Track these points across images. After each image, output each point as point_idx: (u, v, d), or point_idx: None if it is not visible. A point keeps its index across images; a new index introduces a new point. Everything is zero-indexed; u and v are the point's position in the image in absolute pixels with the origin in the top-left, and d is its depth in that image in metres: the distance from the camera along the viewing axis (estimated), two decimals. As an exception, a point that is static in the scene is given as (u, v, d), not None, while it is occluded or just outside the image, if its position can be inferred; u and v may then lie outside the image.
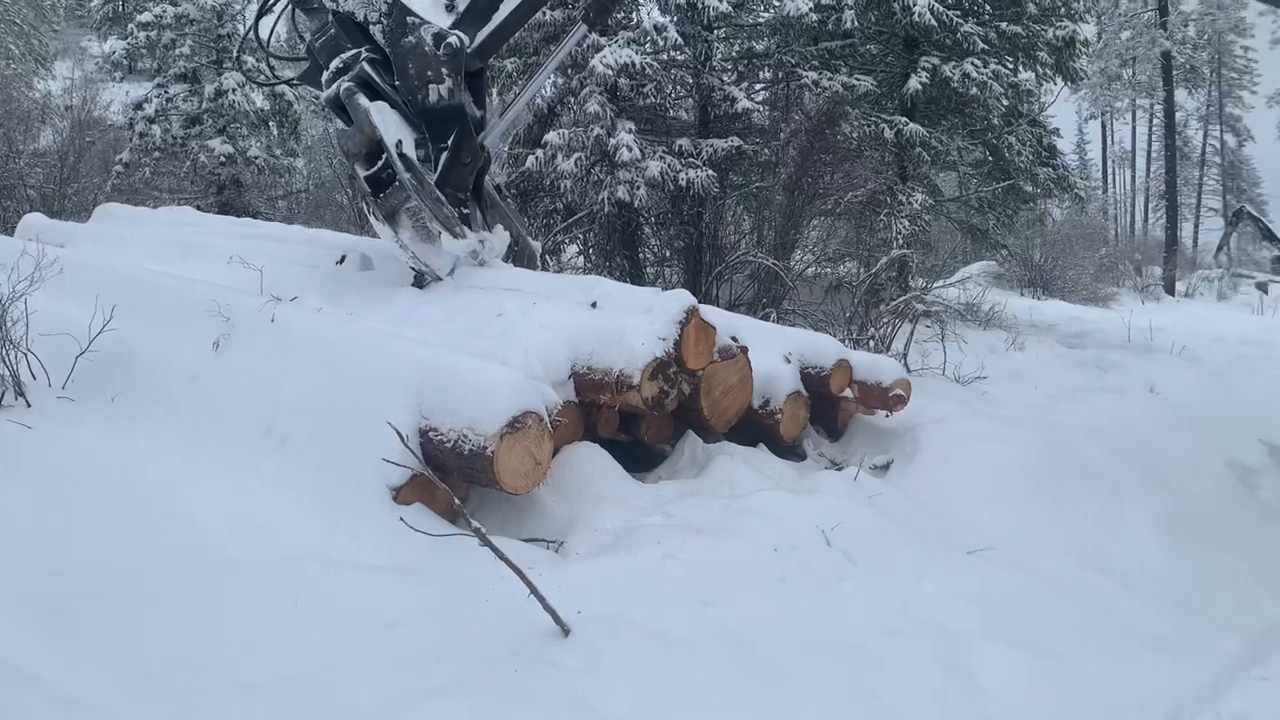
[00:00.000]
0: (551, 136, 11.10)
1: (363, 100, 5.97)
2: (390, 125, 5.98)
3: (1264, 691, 4.04)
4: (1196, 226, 60.86)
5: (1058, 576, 4.69)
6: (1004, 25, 12.57)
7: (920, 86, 11.30)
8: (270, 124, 20.63)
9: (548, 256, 12.03)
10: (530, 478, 4.40)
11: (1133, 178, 62.16)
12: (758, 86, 12.60)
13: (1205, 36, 51.44)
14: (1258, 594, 4.84)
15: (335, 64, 6.25)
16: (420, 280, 6.08)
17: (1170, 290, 31.17)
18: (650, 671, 3.34)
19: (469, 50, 6.20)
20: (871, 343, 7.91)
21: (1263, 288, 34.37)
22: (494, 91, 11.93)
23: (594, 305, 5.58)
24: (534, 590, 3.47)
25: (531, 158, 11.19)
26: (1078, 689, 3.73)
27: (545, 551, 4.39)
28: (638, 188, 10.48)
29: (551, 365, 5.09)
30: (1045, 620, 4.19)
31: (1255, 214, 51.95)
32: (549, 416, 4.55)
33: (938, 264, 18.46)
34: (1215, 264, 44.31)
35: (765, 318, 8.57)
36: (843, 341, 7.61)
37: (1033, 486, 5.59)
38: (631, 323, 5.25)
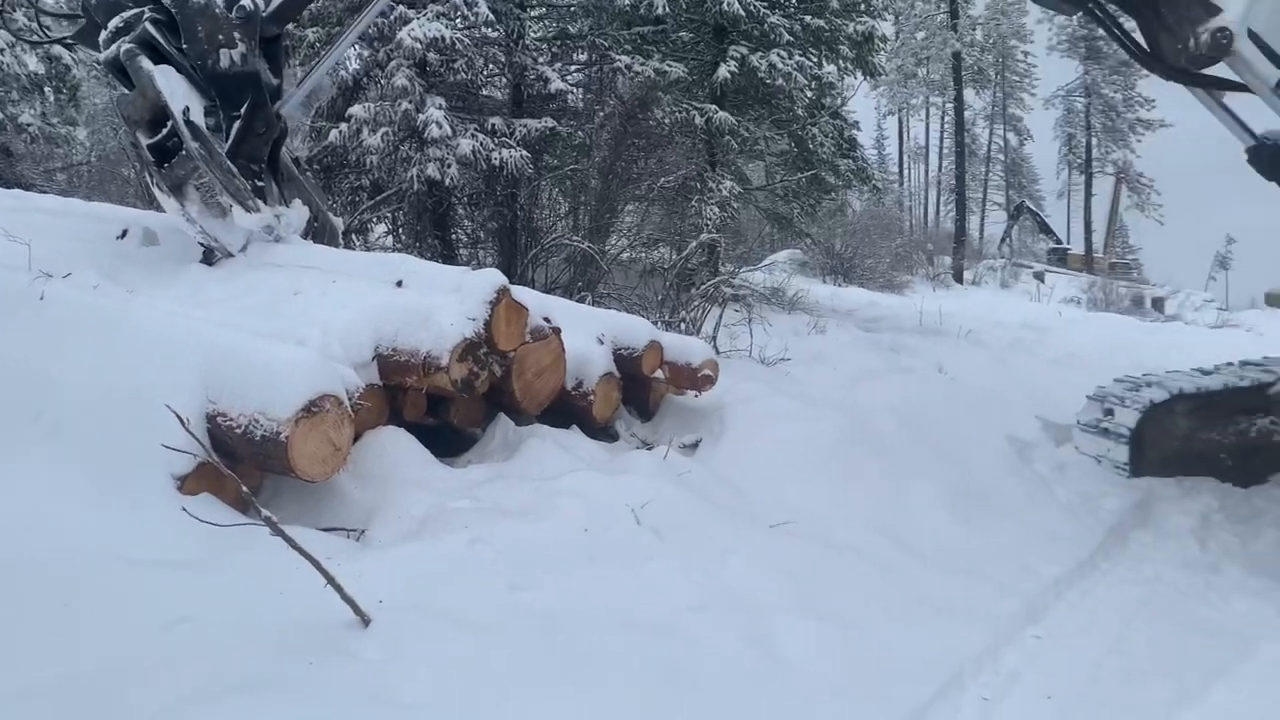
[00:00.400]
0: (357, 110, 10.70)
1: (145, 63, 5.54)
2: (176, 90, 5.58)
3: (1038, 649, 4.35)
4: (983, 219, 65.08)
5: (854, 548, 4.89)
6: (808, 19, 13.02)
7: (729, 75, 11.56)
8: (45, 89, 18.99)
9: (354, 236, 11.61)
10: (329, 464, 4.20)
11: (926, 172, 65.86)
12: (572, 68, 12.55)
13: (991, 40, 55.00)
14: (1033, 559, 5.19)
15: (115, 23, 5.77)
16: (209, 257, 5.71)
17: (959, 278, 33.13)
18: (455, 659, 3.25)
19: (264, 14, 5.87)
20: (683, 325, 8.03)
21: (1040, 277, 37.14)
22: (295, 63, 11.37)
23: (399, 284, 5.40)
24: (330, 580, 3.31)
25: (335, 131, 10.76)
26: (871, 653, 3.89)
27: (346, 540, 4.21)
28: (449, 166, 10.24)
29: (353, 346, 4.88)
30: (842, 590, 4.36)
31: (1034, 208, 56.11)
32: (349, 400, 4.36)
33: (747, 251, 18.99)
34: (999, 254, 47.59)
35: (581, 301, 8.55)
36: (655, 324, 7.68)
37: (832, 463, 5.81)
38: (440, 302, 5.11)
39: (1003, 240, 53.80)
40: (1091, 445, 6.87)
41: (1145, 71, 7.12)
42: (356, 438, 4.61)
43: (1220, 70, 6.24)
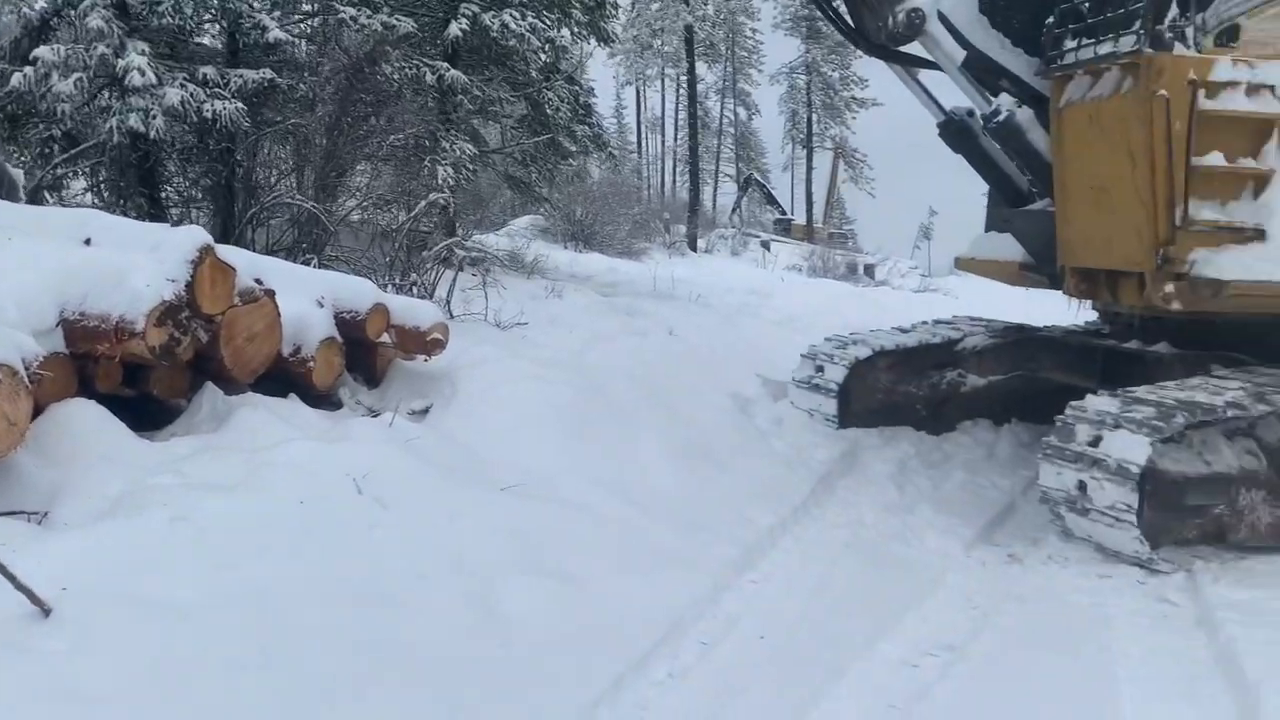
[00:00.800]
0: (44, 52, 9.56)
1: None
2: None
3: (754, 592, 4.58)
4: (716, 190, 67.67)
5: (585, 505, 4.95)
6: (542, -20, 12.95)
7: (461, 33, 11.31)
8: None
9: (46, 192, 10.44)
10: (2, 441, 3.76)
11: (663, 142, 67.64)
12: (294, 17, 11.83)
13: (721, 15, 57.04)
14: (752, 508, 5.46)
15: None
16: None
17: (693, 246, 34.25)
18: (149, 646, 3.00)
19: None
20: (415, 289, 7.82)
21: (767, 246, 39.09)
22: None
23: (88, 242, 4.89)
24: (0, 568, 2.97)
25: (19, 75, 9.58)
26: (595, 608, 3.96)
27: (25, 524, 3.79)
28: (154, 117, 9.38)
29: (33, 311, 4.39)
30: (570, 547, 4.40)
31: (761, 181, 58.94)
32: (27, 370, 3.91)
33: (489, 216, 18.75)
34: (730, 224, 49.70)
35: (306, 264, 8.11)
36: (385, 288, 7.42)
37: (565, 423, 5.85)
38: (135, 262, 4.67)
39: (733, 211, 56.17)
40: (805, 400, 7.30)
41: (860, 52, 7.58)
42: (39, 411, 4.15)
43: (916, 50, 6.76)
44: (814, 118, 56.91)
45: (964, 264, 7.96)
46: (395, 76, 10.72)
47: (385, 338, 5.87)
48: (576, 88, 14.85)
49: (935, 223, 57.16)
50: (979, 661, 3.89)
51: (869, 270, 32.34)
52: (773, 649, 4.01)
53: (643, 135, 67.49)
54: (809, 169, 56.87)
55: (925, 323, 7.87)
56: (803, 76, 56.65)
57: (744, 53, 60.60)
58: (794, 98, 58.30)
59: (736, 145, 68.02)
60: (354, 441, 4.77)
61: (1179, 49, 5.32)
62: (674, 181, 65.79)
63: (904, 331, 7.68)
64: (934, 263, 40.45)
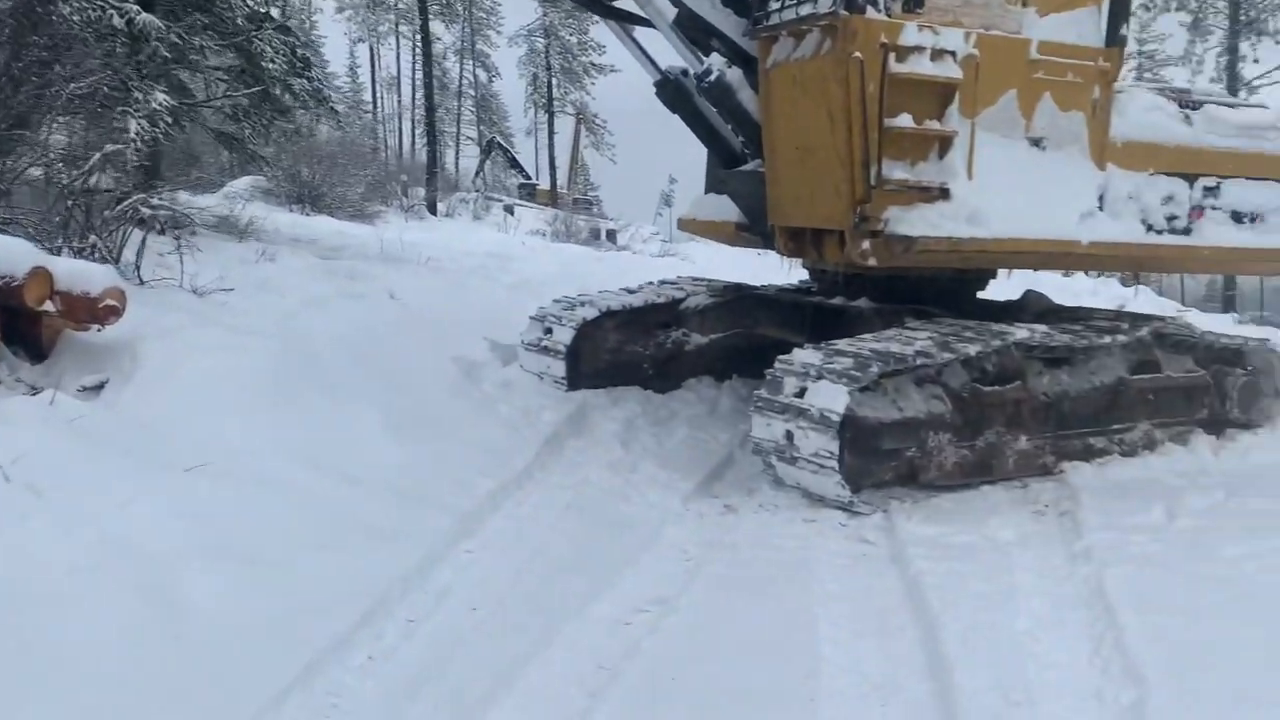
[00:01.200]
0: None
1: None
2: None
3: (469, 562, 4.41)
4: (458, 153, 66.44)
5: (285, 482, 4.60)
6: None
7: (156, -28, 10.28)
8: None
9: None
10: None
11: (399, 102, 65.53)
12: (-51, -54, 10.32)
13: (457, -27, 55.74)
14: (473, 475, 5.27)
15: None
16: None
17: (433, 210, 33.42)
18: None
19: None
20: (97, 252, 7.02)
21: (509, 210, 38.78)
22: None
23: None
24: None
25: None
26: (290, 592, 3.67)
27: None
28: None
29: None
30: (263, 529, 4.06)
31: (504, 145, 58.34)
32: None
33: (204, 175, 17.32)
34: (473, 187, 48.94)
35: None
36: (58, 251, 6.61)
37: (268, 395, 5.43)
38: None
39: (476, 174, 55.32)
40: (534, 363, 7.18)
41: (596, 17, 7.45)
42: None
43: (630, 7, 6.72)
44: (554, 82, 56.92)
45: (685, 225, 8.08)
46: (76, 19, 9.57)
47: (49, 305, 5.19)
48: (293, 39, 13.91)
49: (676, 190, 58.81)
50: (689, 613, 3.92)
51: (611, 236, 32.79)
52: (483, 619, 3.87)
53: (378, 95, 65.07)
54: (550, 134, 56.98)
55: (651, 284, 7.93)
56: (541, 40, 56.44)
57: (482, 13, 59.61)
58: (534, 61, 58.07)
59: (478, 108, 66.97)
60: (3, 423, 4.18)
61: (871, 12, 5.55)
62: (413, 143, 63.97)
63: (631, 293, 7.70)
64: (674, 229, 41.60)
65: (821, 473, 5.16)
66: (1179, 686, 3.23)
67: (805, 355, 5.57)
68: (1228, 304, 33.73)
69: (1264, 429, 7.04)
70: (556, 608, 3.97)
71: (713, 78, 6.36)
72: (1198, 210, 6.59)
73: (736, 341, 7.61)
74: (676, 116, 7.27)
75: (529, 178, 55.42)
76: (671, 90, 6.90)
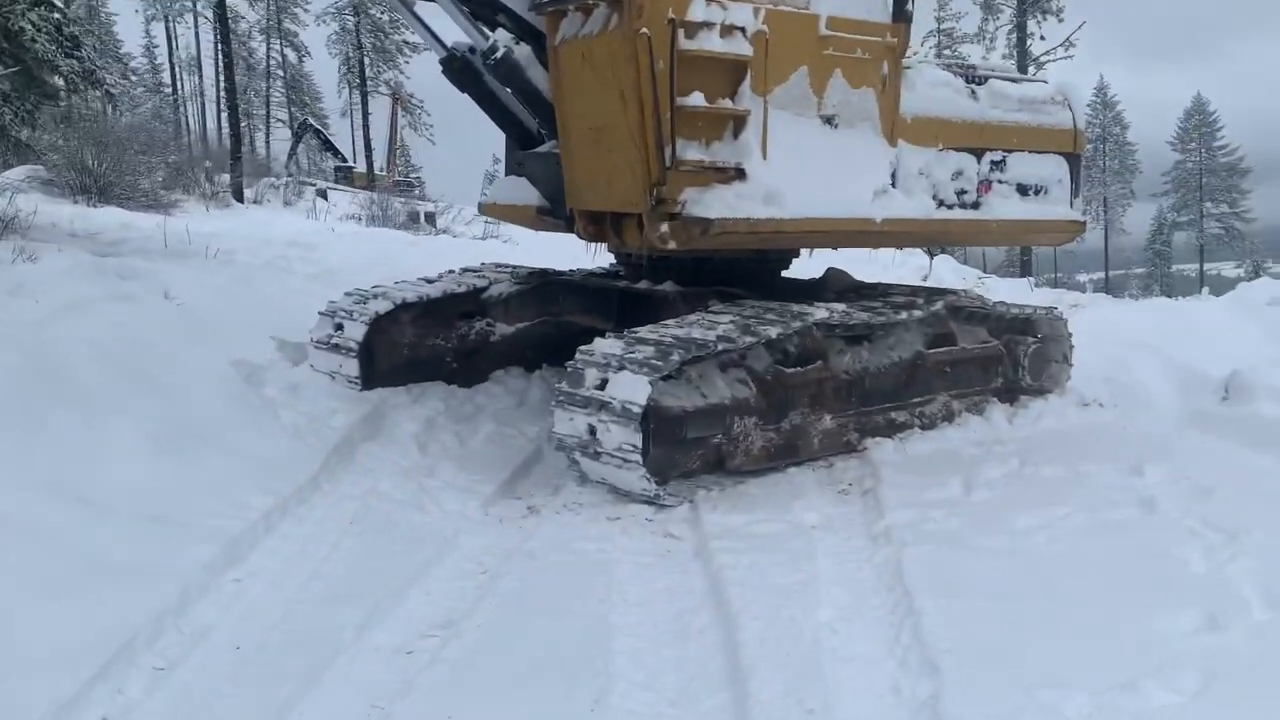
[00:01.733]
0: None
1: None
2: None
3: (235, 595, 3.98)
4: (268, 136, 63.43)
5: (16, 519, 4.04)
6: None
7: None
8: None
9: None
10: None
11: (201, 83, 61.90)
12: None
13: (257, -52, 52.90)
14: (246, 493, 4.81)
15: None
16: None
17: (239, 197, 31.66)
18: None
19: None
20: None
21: (323, 194, 37.20)
22: None
23: None
24: None
25: None
26: (11, 646, 3.18)
27: None
28: None
29: None
30: (-22, 578, 3.53)
31: (317, 127, 56.01)
32: None
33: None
34: (286, 172, 46.74)
35: None
36: None
37: (2, 417, 4.81)
38: None
39: (289, 159, 52.97)
40: (325, 362, 6.71)
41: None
42: None
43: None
44: (367, 61, 54.96)
45: (486, 210, 7.74)
46: None
47: None
48: (58, 15, 12.70)
49: (499, 170, 57.83)
50: (475, 637, 3.63)
51: (430, 219, 31.86)
52: (245, 660, 3.48)
53: (178, 77, 61.25)
54: (365, 115, 55.01)
55: (452, 272, 7.55)
56: (351, 17, 54.35)
57: (285, -8, 56.87)
58: (345, 39, 55.88)
59: (288, 89, 64.16)
60: None
61: (657, -14, 5.34)
62: (219, 128, 60.58)
63: (429, 282, 7.31)
64: (497, 209, 40.79)
65: (626, 467, 4.96)
66: (973, 676, 3.18)
67: (606, 345, 5.35)
68: (1024, 269, 35.93)
69: (1054, 394, 7.31)
70: (330, 640, 3.61)
71: (499, 55, 6.03)
72: (985, 184, 6.74)
73: (544, 330, 7.33)
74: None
75: (345, 161, 53.45)
76: (459, 69, 6.53)
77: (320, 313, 6.95)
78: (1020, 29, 39.06)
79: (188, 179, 29.78)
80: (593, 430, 5.03)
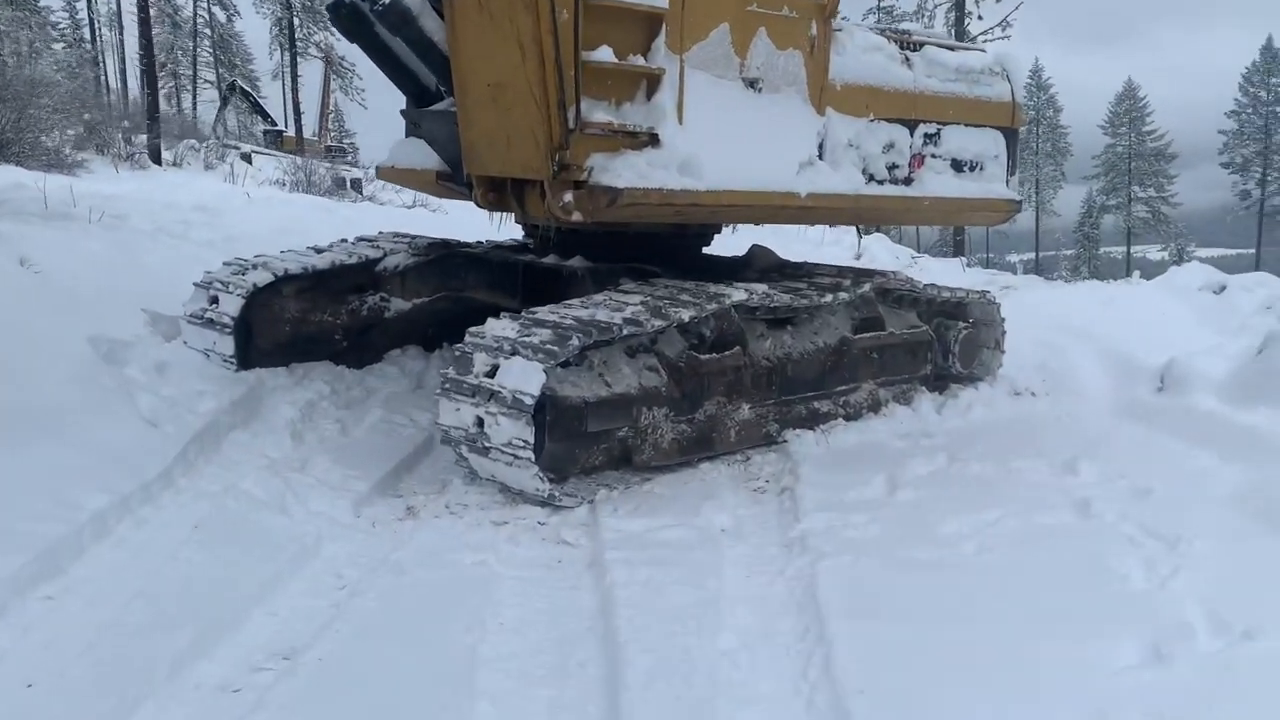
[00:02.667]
0: None
1: None
2: None
3: (41, 616, 3.40)
4: (195, 97, 61.26)
5: None
6: None
7: None
8: None
9: None
10: None
11: (122, 41, 59.32)
12: None
13: (180, -101, 50.67)
14: (82, 491, 4.20)
15: None
16: None
17: (156, 159, 30.33)
18: None
19: None
20: None
21: (248, 158, 35.85)
22: None
23: None
24: None
25: None
26: None
27: None
28: None
29: None
30: None
31: (246, 89, 54.13)
32: None
33: None
34: (214, 135, 45.04)
35: None
36: None
37: None
38: None
39: (216, 121, 51.13)
40: (199, 338, 6.07)
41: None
42: None
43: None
44: (297, 22, 53.20)
45: (384, 174, 7.09)
46: None
47: None
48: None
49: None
50: (312, 673, 3.09)
51: (356, 184, 30.80)
52: (34, 702, 2.91)
53: (97, 31, 58.65)
54: (294, 78, 53.33)
55: (345, 241, 6.92)
56: (280, -25, 52.54)
57: (213, -56, 54.77)
58: (275, -1, 54.00)
59: (216, 49, 62.04)
60: None
61: (558, -73, 4.77)
62: (141, 87, 58.26)
63: (318, 252, 6.68)
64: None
65: (517, 465, 4.44)
66: (886, 723, 2.74)
67: (498, 326, 4.82)
68: (958, 249, 35.99)
69: (985, 382, 6.95)
70: (143, 675, 3.05)
71: (387, 1, 5.41)
72: (919, 158, 6.30)
73: (445, 306, 6.76)
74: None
75: (275, 125, 51.77)
76: (347, 15, 5.87)
77: (195, 284, 6.30)
78: (959, 7, 38.83)
79: (102, 139, 28.41)
80: (481, 423, 4.50)
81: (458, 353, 4.78)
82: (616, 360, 4.89)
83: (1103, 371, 7.52)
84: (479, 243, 7.00)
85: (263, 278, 6.08)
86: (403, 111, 6.46)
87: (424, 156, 6.50)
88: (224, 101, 51.94)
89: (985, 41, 37.95)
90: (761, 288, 5.55)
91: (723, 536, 4.27)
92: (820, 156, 5.82)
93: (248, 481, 4.69)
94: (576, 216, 5.13)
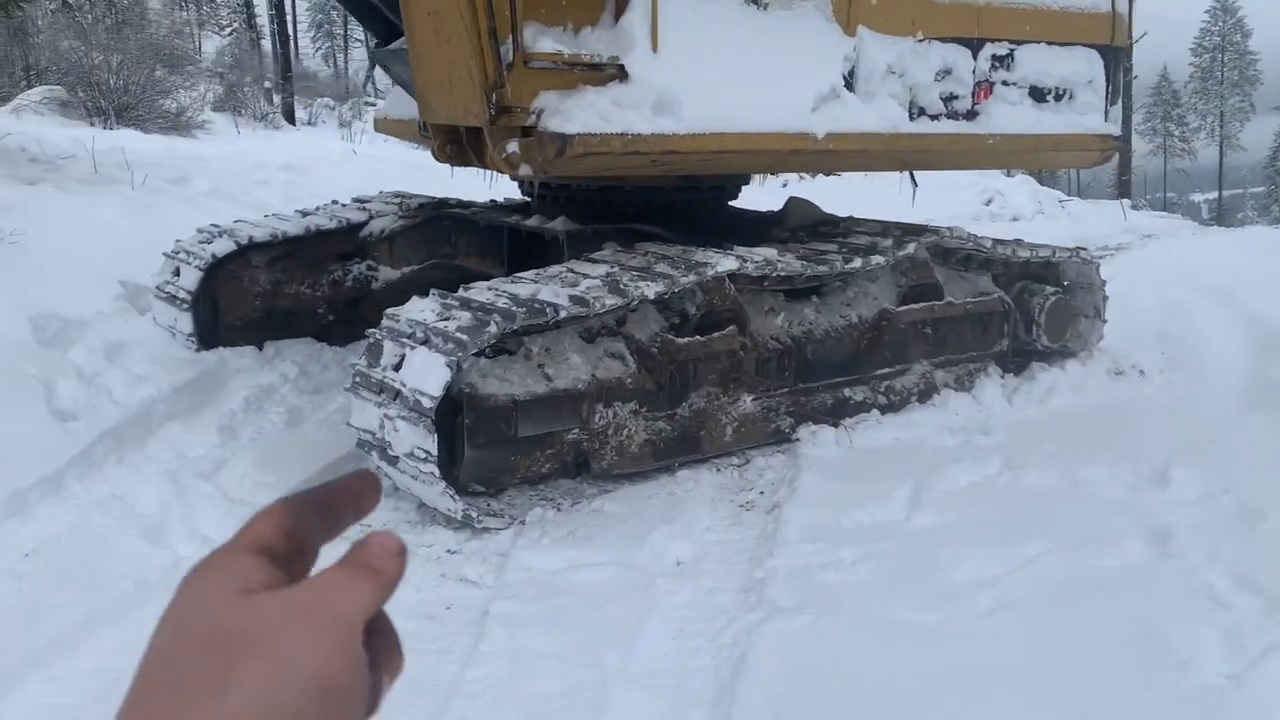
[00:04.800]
0: None
1: None
2: None
3: None
4: (346, 56, 62.53)
5: None
6: None
7: None
8: None
9: None
10: None
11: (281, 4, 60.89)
12: None
13: None
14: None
15: None
16: None
17: (290, 118, 30.84)
18: None
19: None
20: None
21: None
22: None
23: None
24: None
25: None
26: None
27: None
28: None
29: None
30: None
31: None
32: None
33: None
34: (364, 94, 45.72)
35: None
36: None
37: None
38: None
39: (366, 80, 51.95)
40: (165, 314, 5.52)
41: None
42: None
43: None
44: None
45: (380, 126, 6.36)
46: None
47: None
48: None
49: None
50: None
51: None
52: None
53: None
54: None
55: (336, 203, 6.24)
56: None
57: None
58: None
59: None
60: None
61: None
62: (295, 48, 59.82)
63: (306, 215, 6.02)
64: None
65: (422, 479, 3.64)
66: None
67: (417, 308, 4.00)
68: (1123, 189, 32.95)
69: (1079, 358, 5.72)
70: None
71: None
72: (985, 87, 5.09)
73: (438, 276, 5.97)
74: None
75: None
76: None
77: (165, 254, 5.74)
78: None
79: (237, 99, 28.96)
80: (384, 426, 3.71)
81: (370, 338, 3.99)
82: (562, 348, 4.00)
83: (1239, 343, 6.15)
84: (473, 203, 6.19)
85: (224, 247, 5.46)
86: (370, 52, 5.67)
87: (411, 105, 5.70)
88: (373, 61, 52.68)
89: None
90: (767, 253, 4.53)
91: (663, 580, 3.36)
92: (850, 87, 4.71)
93: (136, 491, 4.05)
94: (525, 170, 4.23)
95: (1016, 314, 5.55)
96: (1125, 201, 21.78)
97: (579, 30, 4.18)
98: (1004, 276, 5.58)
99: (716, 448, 4.45)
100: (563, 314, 3.82)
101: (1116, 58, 5.46)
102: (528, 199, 5.90)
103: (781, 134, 4.47)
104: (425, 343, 3.70)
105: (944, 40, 4.94)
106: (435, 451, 3.55)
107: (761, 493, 4.18)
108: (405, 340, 3.78)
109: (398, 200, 6.16)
